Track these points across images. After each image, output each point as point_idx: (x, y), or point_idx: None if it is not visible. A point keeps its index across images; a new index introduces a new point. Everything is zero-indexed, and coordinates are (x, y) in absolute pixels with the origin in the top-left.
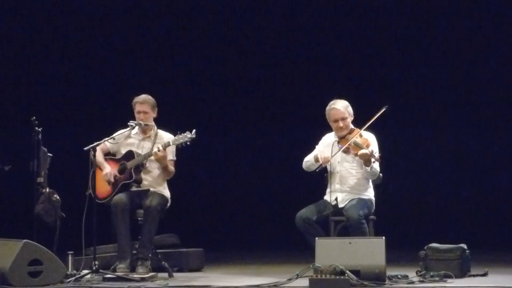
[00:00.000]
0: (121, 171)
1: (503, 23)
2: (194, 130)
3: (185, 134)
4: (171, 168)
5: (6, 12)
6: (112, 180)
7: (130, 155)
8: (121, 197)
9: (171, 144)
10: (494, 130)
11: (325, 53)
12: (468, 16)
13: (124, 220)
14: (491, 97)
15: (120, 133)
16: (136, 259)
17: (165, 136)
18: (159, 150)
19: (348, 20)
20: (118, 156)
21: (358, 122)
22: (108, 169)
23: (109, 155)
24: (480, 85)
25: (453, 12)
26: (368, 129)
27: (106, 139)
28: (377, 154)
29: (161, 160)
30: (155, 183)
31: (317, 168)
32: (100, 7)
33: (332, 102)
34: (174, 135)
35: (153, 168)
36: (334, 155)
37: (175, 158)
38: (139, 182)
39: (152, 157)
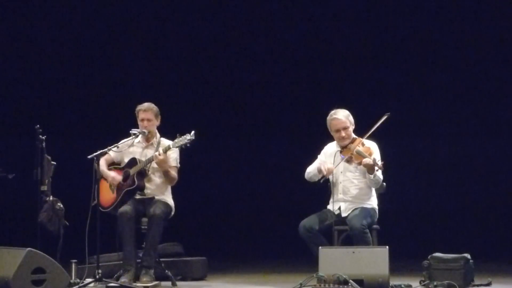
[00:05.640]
0: (125, 178)
1: (504, 33)
2: (193, 132)
3: (184, 136)
4: (173, 174)
5: (9, 18)
6: (119, 181)
7: (133, 162)
8: (127, 207)
9: (171, 147)
10: (499, 140)
11: (327, 61)
12: (466, 26)
13: (130, 231)
14: (497, 106)
15: (123, 142)
16: (140, 267)
17: (168, 144)
18: (159, 154)
19: (349, 29)
20: (123, 165)
21: (360, 130)
22: (113, 174)
23: (113, 165)
24: (483, 93)
25: (453, 21)
26: (370, 137)
27: (110, 147)
28: (380, 162)
29: (161, 164)
30: (159, 191)
31: (320, 179)
32: (103, 15)
33: (333, 111)
34: None
35: (157, 176)
36: (337, 165)
37: (178, 165)
38: (142, 188)
39: (155, 164)
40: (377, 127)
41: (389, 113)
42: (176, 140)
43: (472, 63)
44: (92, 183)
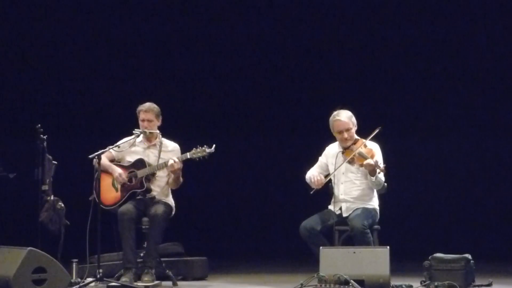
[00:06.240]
0: (130, 178)
1: (501, 33)
2: (214, 146)
3: (203, 148)
4: (181, 178)
5: (10, 19)
6: (126, 179)
7: (140, 163)
8: (128, 207)
9: (188, 157)
10: (500, 140)
11: (330, 62)
12: (465, 28)
13: (130, 231)
14: (497, 106)
15: (124, 141)
16: (141, 267)
17: (170, 145)
18: (175, 162)
19: (350, 29)
20: (125, 164)
21: (361, 132)
22: (119, 171)
23: (113, 162)
24: (484, 94)
25: (452, 21)
26: (372, 139)
27: (111, 147)
28: (382, 165)
29: (176, 172)
30: (162, 193)
31: (311, 191)
32: (104, 14)
33: (335, 112)
34: (179, 144)
35: (160, 178)
36: (334, 171)
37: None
38: (149, 191)
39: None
40: (369, 140)
41: (380, 127)
42: (193, 151)
43: (473, 63)
44: (93, 183)
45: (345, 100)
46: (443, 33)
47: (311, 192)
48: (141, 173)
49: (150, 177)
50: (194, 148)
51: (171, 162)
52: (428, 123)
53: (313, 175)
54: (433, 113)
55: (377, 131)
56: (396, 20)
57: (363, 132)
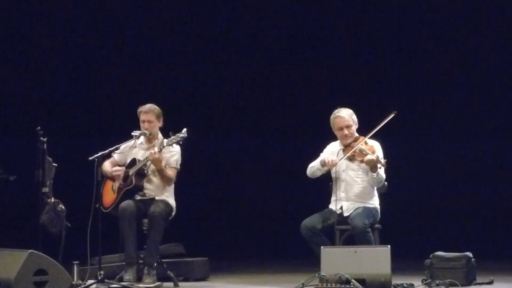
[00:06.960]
0: (125, 178)
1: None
2: (184, 129)
3: (177, 134)
4: (169, 173)
5: (11, 20)
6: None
7: (133, 162)
8: (128, 203)
9: (165, 145)
10: (500, 139)
11: (331, 60)
12: (464, 27)
13: (131, 226)
14: (497, 106)
15: (125, 144)
16: (142, 267)
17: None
18: (154, 152)
19: (354, 28)
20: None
21: (364, 130)
22: (117, 167)
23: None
24: (488, 93)
25: (458, 19)
26: (373, 137)
27: (111, 149)
28: (383, 160)
29: (155, 162)
30: (159, 192)
31: (324, 174)
32: (106, 17)
33: (336, 110)
34: (181, 145)
35: (156, 177)
36: (339, 161)
37: (178, 167)
38: (140, 188)
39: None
40: (383, 126)
41: (396, 112)
42: (169, 139)
43: (473, 63)
44: (94, 185)
45: (346, 100)
46: (442, 31)
47: (325, 174)
48: (131, 171)
49: (142, 174)
50: (169, 136)
51: (150, 152)
52: (430, 121)
53: (325, 157)
54: (433, 112)
55: (392, 115)
56: (397, 19)
57: (366, 129)
